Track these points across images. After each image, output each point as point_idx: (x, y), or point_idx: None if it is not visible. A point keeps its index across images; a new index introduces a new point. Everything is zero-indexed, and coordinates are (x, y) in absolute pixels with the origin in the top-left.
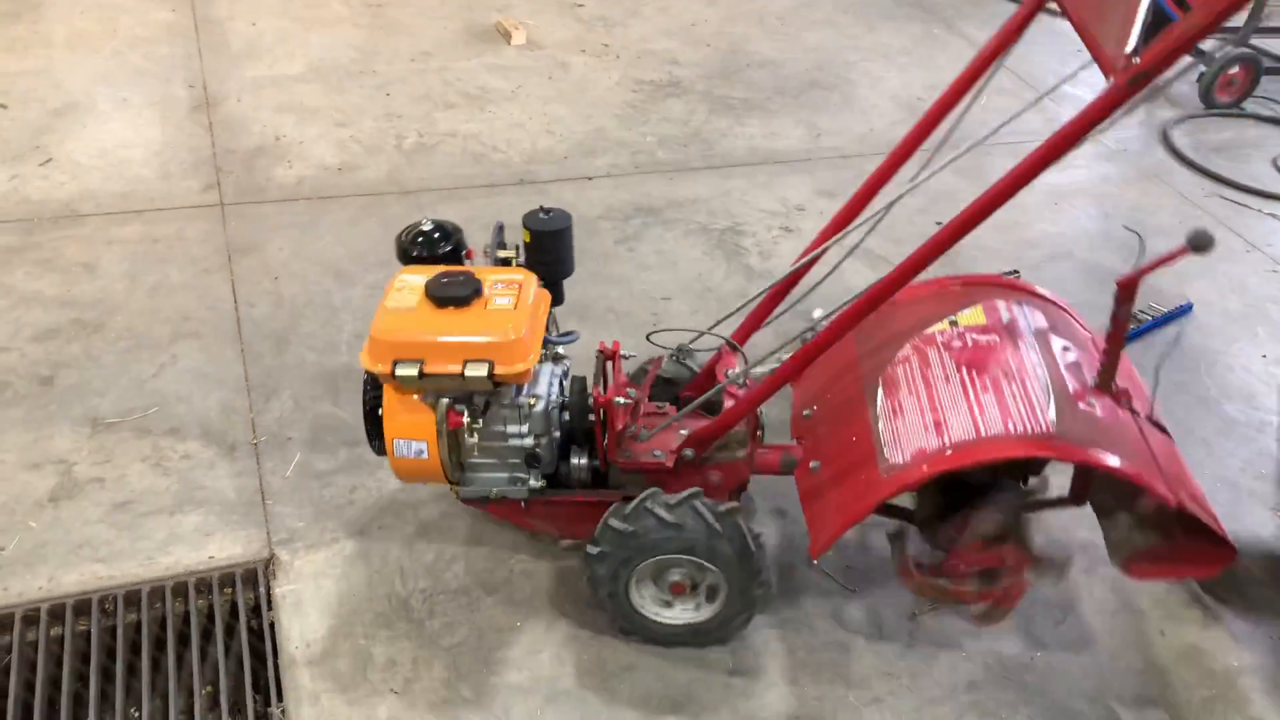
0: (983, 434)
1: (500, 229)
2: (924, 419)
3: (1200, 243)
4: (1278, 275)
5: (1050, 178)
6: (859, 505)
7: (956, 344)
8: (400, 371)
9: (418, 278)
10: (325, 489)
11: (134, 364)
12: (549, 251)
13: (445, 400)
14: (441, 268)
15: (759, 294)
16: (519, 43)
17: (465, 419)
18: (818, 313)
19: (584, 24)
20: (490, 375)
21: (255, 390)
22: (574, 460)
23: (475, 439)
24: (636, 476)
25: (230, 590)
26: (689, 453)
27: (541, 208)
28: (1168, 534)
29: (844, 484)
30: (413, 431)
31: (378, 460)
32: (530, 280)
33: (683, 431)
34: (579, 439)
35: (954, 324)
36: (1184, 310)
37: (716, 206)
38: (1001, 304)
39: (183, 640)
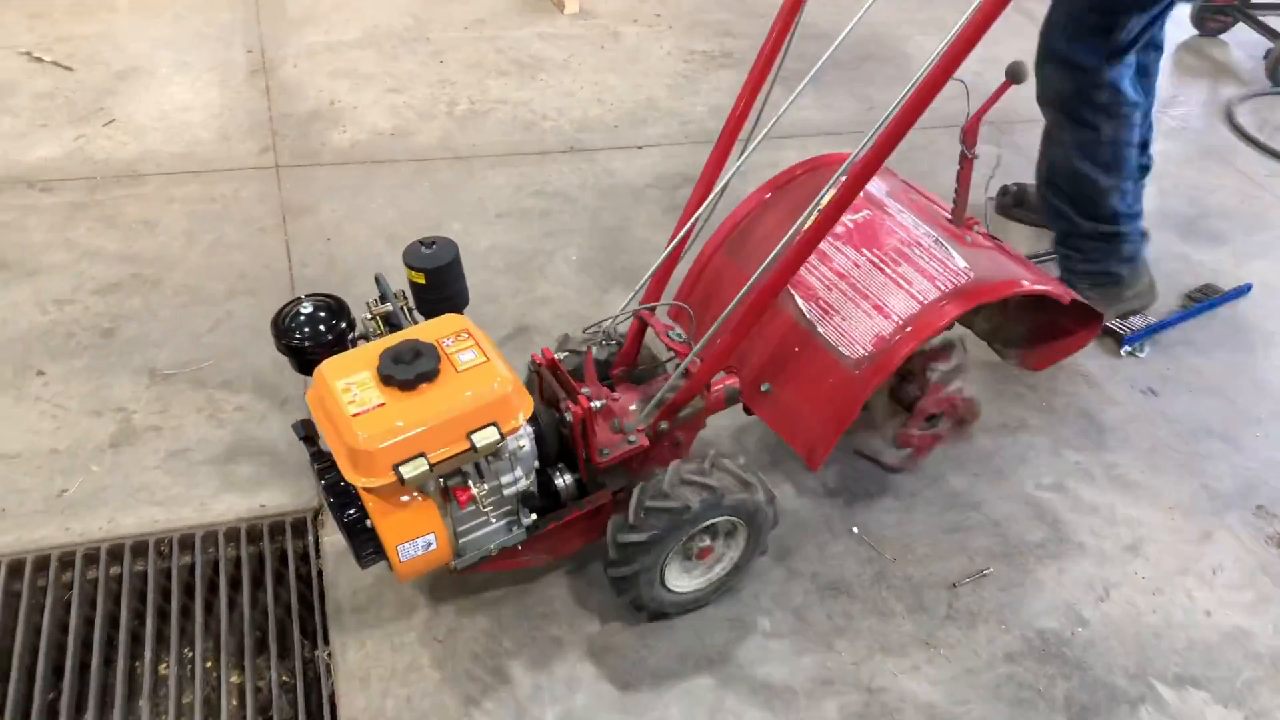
0: (923, 302)
1: (380, 280)
2: (861, 308)
3: (1016, 72)
4: None
5: None
6: (846, 407)
7: (841, 230)
8: (409, 473)
9: (357, 373)
10: None
11: (190, 319)
12: (447, 285)
13: (444, 482)
14: (373, 347)
15: (648, 275)
16: (572, 11)
17: (474, 489)
18: None
19: None
20: (501, 435)
21: None
22: (560, 481)
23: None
24: (616, 469)
25: (280, 538)
26: (664, 425)
27: (421, 242)
28: (1031, 324)
29: (815, 394)
30: (416, 528)
31: None
32: (467, 322)
33: (632, 407)
34: (550, 458)
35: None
36: (1243, 291)
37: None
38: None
39: (234, 585)
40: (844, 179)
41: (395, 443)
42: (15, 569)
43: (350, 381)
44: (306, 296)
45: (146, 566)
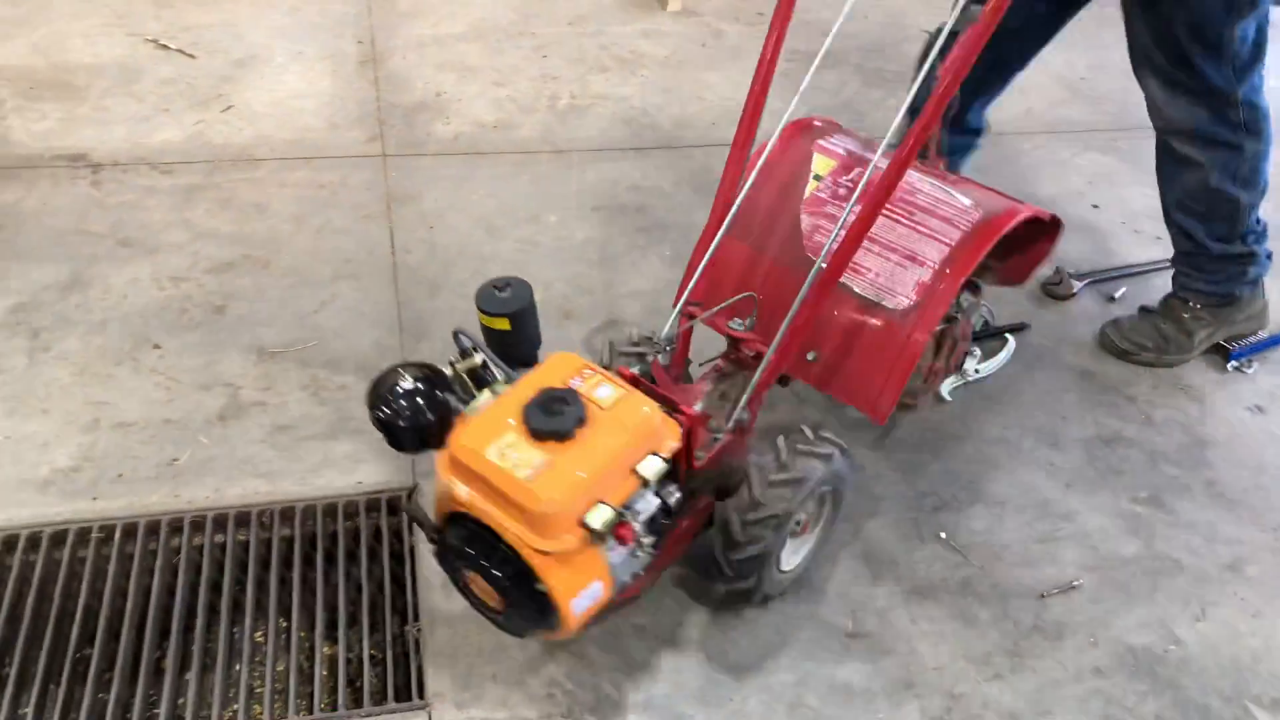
0: (951, 244)
1: (460, 335)
2: (893, 261)
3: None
4: None
5: None
6: (906, 355)
7: (843, 192)
8: (598, 523)
9: (502, 435)
10: None
11: (297, 299)
12: (530, 327)
13: (611, 519)
14: (501, 407)
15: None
16: (674, 9)
17: (634, 524)
18: None
19: None
20: (664, 460)
21: (407, 331)
22: (674, 493)
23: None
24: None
25: (375, 515)
26: (745, 415)
27: (493, 285)
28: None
29: (869, 350)
30: (586, 578)
31: None
32: (580, 358)
33: (698, 405)
34: None
35: (819, 178)
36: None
37: None
38: (824, 142)
39: (329, 558)
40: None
41: (577, 500)
42: (129, 531)
43: (501, 446)
44: (404, 367)
45: (249, 536)
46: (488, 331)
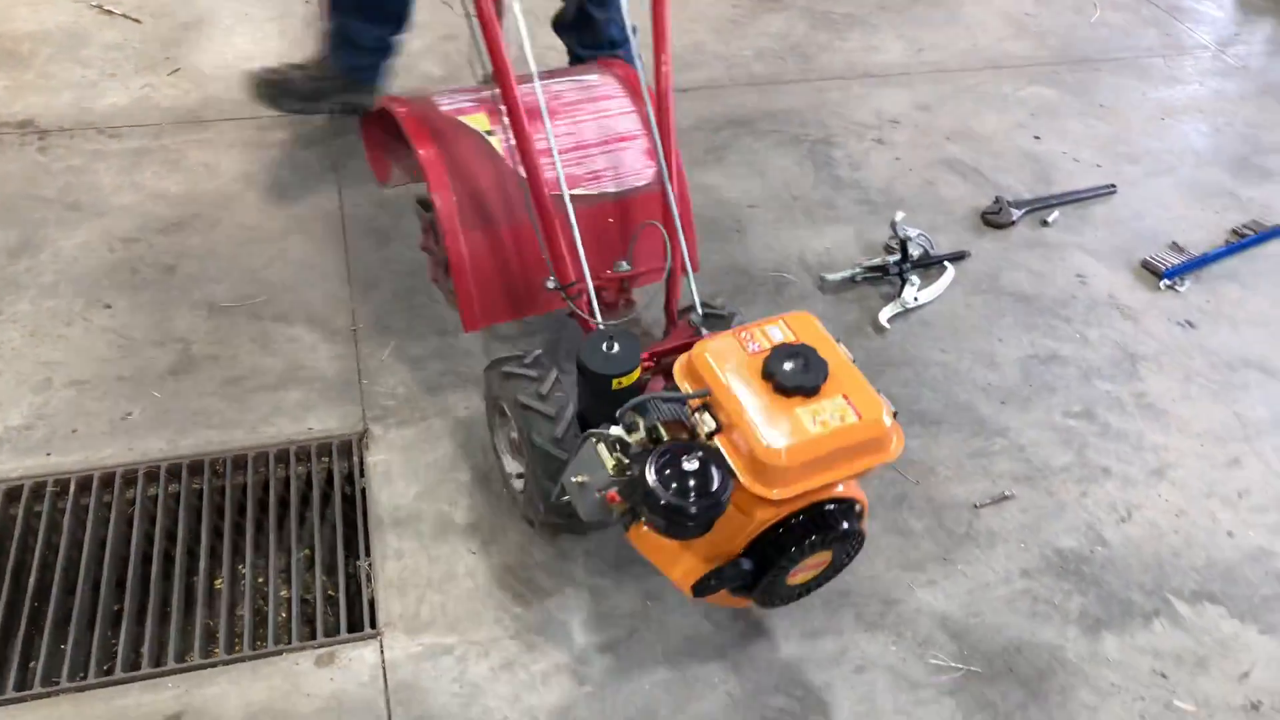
0: (631, 110)
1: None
2: (609, 151)
3: None
4: None
5: (1160, 92)
6: (685, 213)
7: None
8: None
9: (747, 383)
10: (417, 372)
11: (248, 256)
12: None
13: None
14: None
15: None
16: None
17: None
18: (899, 214)
19: None
20: None
21: (356, 282)
22: None
23: None
24: None
25: (327, 460)
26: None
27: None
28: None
29: (654, 232)
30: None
31: (465, 346)
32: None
33: None
34: None
35: (491, 133)
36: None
37: (809, 118)
38: (449, 105)
39: (283, 504)
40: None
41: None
42: (83, 485)
43: (744, 393)
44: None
45: (202, 485)
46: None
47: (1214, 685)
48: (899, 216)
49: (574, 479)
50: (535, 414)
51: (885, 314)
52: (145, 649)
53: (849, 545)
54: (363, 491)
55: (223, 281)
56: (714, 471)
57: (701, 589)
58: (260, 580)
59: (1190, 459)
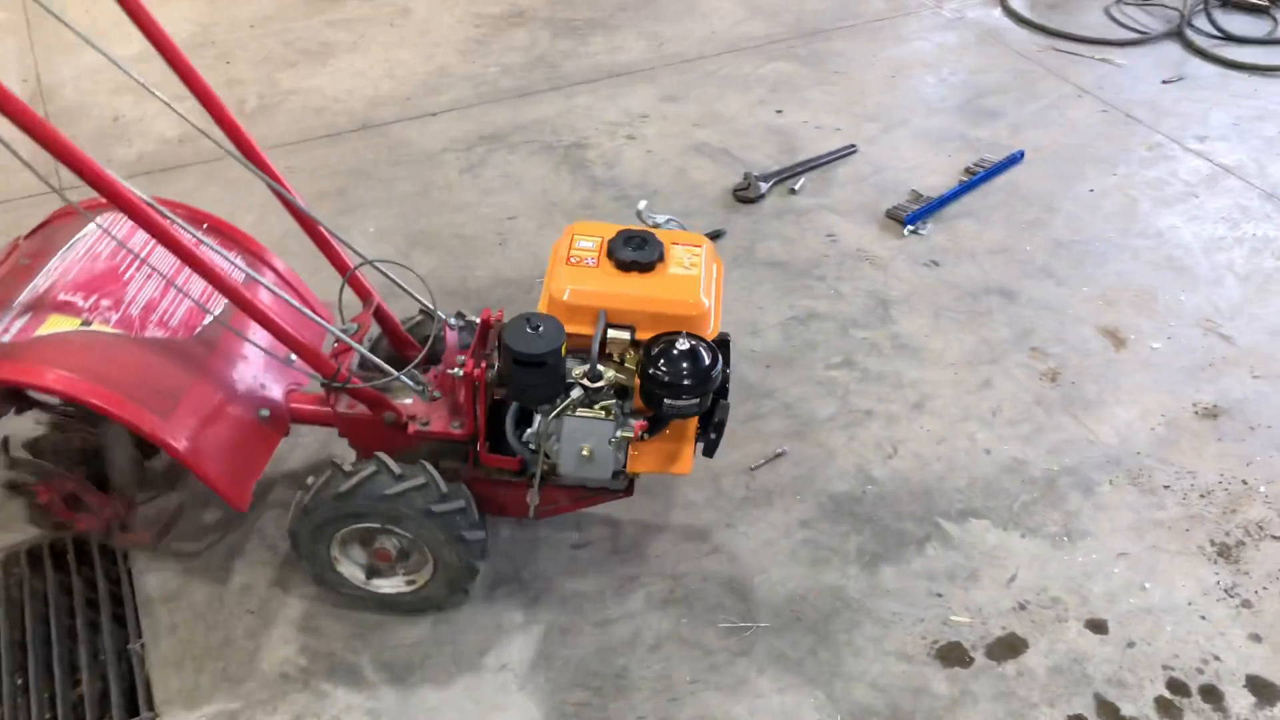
0: None
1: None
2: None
3: None
4: (1106, 114)
5: (889, 52)
6: None
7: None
8: None
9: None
10: None
11: None
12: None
13: None
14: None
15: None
16: None
17: None
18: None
19: None
20: None
21: None
22: None
23: None
24: None
25: (87, 544)
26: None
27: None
28: None
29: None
30: None
31: None
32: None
33: None
34: None
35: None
36: (1015, 159)
37: (561, 124)
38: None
39: (43, 600)
40: None
41: None
42: None
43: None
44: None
45: None
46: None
47: (985, 594)
48: (642, 205)
49: (580, 452)
50: (449, 515)
51: None
52: None
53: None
54: (128, 571)
55: None
56: (700, 347)
57: (711, 448)
58: (20, 682)
59: (946, 388)
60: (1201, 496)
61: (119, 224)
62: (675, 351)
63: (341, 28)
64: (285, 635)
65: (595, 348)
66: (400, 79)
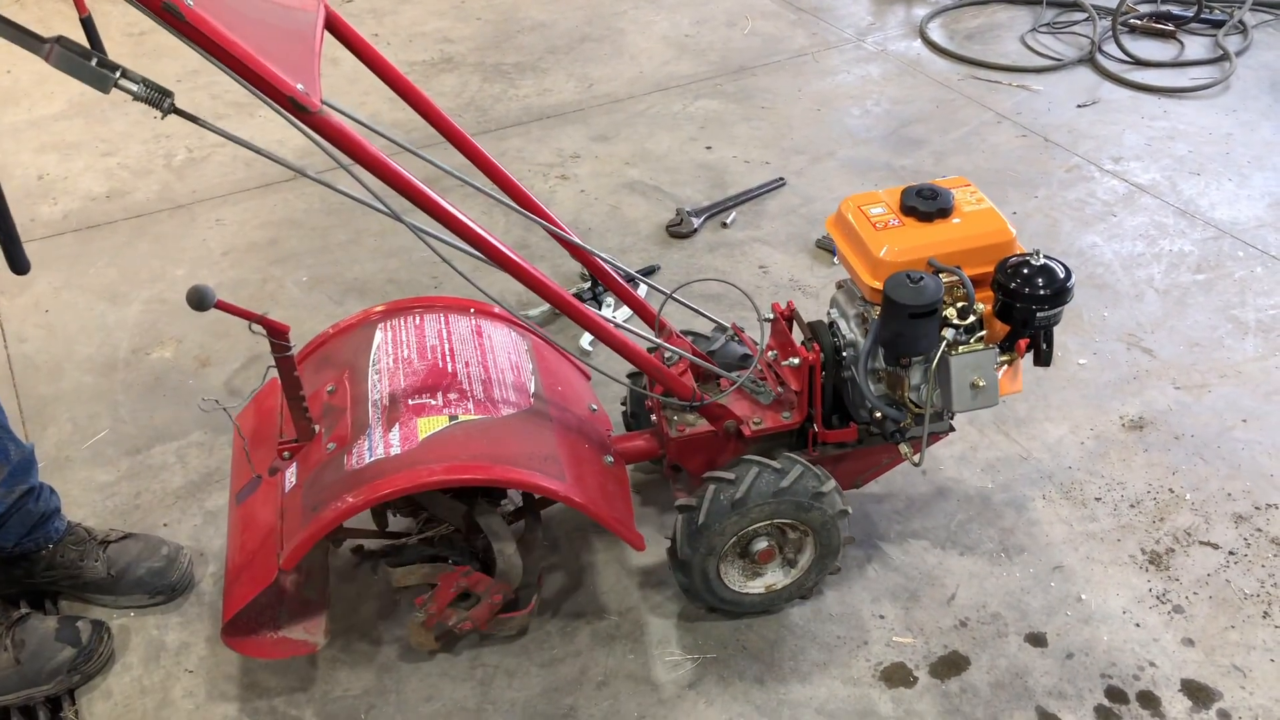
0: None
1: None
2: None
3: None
4: (1025, 139)
5: (814, 85)
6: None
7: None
8: None
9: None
10: (109, 499)
11: None
12: None
13: None
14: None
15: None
16: None
17: None
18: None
19: (354, 18)
20: None
21: (31, 421)
22: None
23: None
24: None
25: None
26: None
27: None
28: None
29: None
30: None
31: (160, 464)
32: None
33: None
34: None
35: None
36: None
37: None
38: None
39: None
40: None
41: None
42: None
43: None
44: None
45: None
46: None
47: (926, 614)
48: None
49: (971, 384)
50: (831, 494)
51: (586, 339)
52: None
53: None
54: None
55: None
56: (1050, 261)
57: (1048, 357)
58: None
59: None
60: (1131, 506)
61: (401, 327)
62: (1040, 266)
63: None
64: (225, 693)
65: (970, 285)
66: None
